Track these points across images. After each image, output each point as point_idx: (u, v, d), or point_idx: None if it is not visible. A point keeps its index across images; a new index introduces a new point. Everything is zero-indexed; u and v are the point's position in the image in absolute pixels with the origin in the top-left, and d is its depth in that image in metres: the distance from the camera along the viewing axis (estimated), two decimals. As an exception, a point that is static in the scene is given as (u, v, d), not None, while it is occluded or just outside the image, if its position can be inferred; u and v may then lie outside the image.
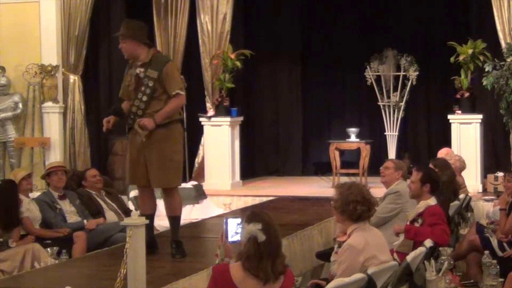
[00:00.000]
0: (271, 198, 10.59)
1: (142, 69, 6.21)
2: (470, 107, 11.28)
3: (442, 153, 8.97)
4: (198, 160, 12.36)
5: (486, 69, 10.84)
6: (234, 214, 8.85)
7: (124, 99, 6.44)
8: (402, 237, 6.21)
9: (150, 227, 6.26)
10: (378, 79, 12.53)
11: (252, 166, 13.82)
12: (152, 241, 6.38)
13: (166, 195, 6.44)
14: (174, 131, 6.30)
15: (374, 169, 10.92)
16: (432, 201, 6.22)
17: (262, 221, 3.80)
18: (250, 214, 3.93)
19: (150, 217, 6.28)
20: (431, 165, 7.81)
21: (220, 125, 11.90)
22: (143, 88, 6.17)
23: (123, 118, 6.31)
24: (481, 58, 11.00)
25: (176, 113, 6.34)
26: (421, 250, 5.04)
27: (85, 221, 7.89)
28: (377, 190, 7.85)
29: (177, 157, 6.34)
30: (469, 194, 8.54)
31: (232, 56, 11.97)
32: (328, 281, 4.56)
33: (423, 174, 6.29)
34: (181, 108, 6.57)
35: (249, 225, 3.80)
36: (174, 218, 6.46)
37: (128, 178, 6.49)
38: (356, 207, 4.64)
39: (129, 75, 6.33)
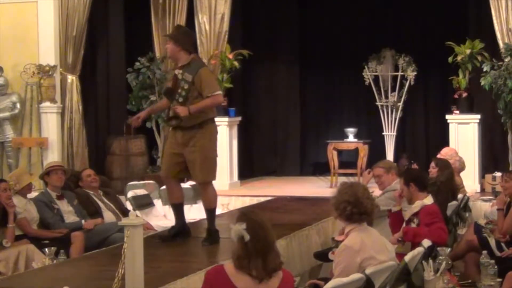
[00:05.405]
0: (269, 198, 10.57)
1: (180, 71, 6.61)
2: (468, 107, 11.29)
3: (444, 152, 8.93)
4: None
5: (484, 69, 10.85)
6: (231, 214, 8.82)
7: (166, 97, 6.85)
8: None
9: (181, 214, 6.90)
10: (376, 79, 12.55)
11: (250, 166, 13.82)
12: (184, 227, 6.90)
13: (201, 189, 6.85)
14: (208, 130, 6.73)
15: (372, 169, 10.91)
16: (428, 200, 6.20)
17: (247, 221, 3.83)
18: (238, 214, 3.97)
19: (180, 205, 6.90)
20: (432, 163, 7.89)
21: (218, 125, 11.82)
22: (179, 90, 6.58)
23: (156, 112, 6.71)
24: (479, 58, 11.00)
25: (210, 112, 6.75)
26: (419, 250, 5.04)
27: (83, 221, 7.90)
28: (375, 190, 7.86)
29: (211, 154, 6.73)
30: (467, 194, 8.53)
31: (230, 56, 11.96)
32: (327, 280, 4.55)
33: (404, 177, 6.32)
34: (215, 108, 7.01)
35: (235, 225, 3.83)
36: (210, 211, 6.82)
37: (162, 169, 7.04)
38: (346, 207, 4.65)
39: (172, 76, 6.74)
